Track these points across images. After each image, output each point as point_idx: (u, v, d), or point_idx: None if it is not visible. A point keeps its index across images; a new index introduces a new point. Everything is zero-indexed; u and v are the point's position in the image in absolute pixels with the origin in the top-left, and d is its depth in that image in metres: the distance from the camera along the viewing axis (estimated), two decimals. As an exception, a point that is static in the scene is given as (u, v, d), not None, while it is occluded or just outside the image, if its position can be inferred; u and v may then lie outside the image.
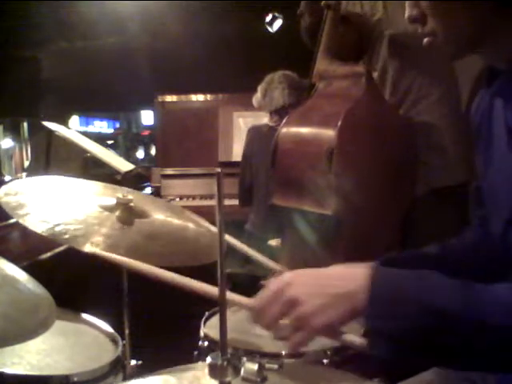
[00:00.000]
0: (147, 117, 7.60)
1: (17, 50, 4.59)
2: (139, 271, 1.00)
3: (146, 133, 7.84)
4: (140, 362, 1.37)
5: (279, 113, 2.90)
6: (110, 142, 6.86)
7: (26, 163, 4.49)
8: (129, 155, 7.39)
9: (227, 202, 3.09)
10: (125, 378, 1.21)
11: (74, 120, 6.81)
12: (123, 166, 2.22)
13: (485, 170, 1.04)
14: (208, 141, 3.93)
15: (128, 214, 1.24)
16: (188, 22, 4.49)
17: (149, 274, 0.99)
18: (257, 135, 3.13)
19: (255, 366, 0.76)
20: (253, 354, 1.06)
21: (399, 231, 1.96)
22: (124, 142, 8.04)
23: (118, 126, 8.38)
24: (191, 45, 4.52)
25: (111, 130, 8.25)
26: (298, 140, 1.91)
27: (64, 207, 1.21)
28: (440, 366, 1.06)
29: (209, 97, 4.14)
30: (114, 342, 1.28)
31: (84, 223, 1.16)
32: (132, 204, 1.25)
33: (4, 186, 1.21)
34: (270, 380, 0.79)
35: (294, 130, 1.94)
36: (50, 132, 2.83)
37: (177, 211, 1.42)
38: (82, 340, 1.30)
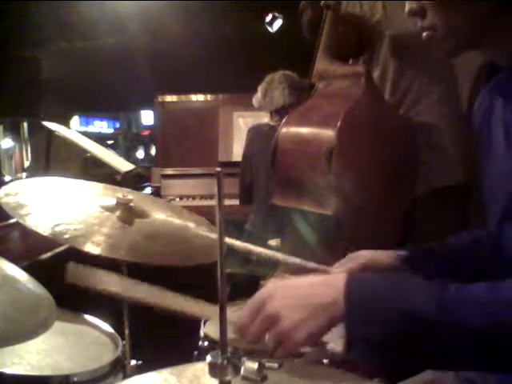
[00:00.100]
0: (147, 117, 7.60)
1: (17, 50, 4.59)
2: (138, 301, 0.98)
3: (146, 133, 7.84)
4: (140, 362, 1.37)
5: (279, 113, 2.90)
6: (110, 142, 6.87)
7: (26, 163, 4.50)
8: (129, 155, 7.39)
9: (227, 202, 3.09)
10: (125, 378, 1.21)
11: (74, 120, 6.81)
12: (123, 165, 2.22)
13: (485, 169, 1.04)
14: (208, 141, 3.93)
15: (128, 214, 1.24)
16: (188, 22, 4.49)
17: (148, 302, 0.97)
18: (257, 134, 3.13)
19: (255, 365, 0.76)
20: (253, 353, 1.06)
21: (399, 231, 1.96)
22: (124, 142, 8.04)
23: (118, 126, 8.38)
24: (191, 45, 4.52)
25: (111, 130, 8.25)
26: (297, 140, 1.91)
27: (64, 207, 1.21)
28: (429, 369, 1.06)
29: (209, 97, 4.15)
30: (114, 342, 1.28)
31: (84, 223, 1.16)
32: (132, 204, 1.25)
33: (4, 187, 1.21)
34: (270, 379, 0.79)
35: (294, 130, 1.94)
36: (50, 132, 2.83)
37: (177, 211, 1.42)
38: (82, 340, 1.30)
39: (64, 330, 1.30)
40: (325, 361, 1.16)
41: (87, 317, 1.39)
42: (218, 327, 0.76)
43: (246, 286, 2.41)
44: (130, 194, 1.27)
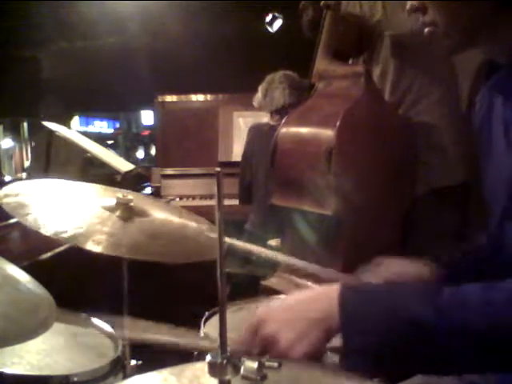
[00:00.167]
0: (147, 117, 7.62)
1: (17, 50, 4.60)
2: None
3: (146, 133, 7.85)
4: (140, 362, 1.37)
5: (280, 113, 2.90)
6: (110, 142, 6.88)
7: (26, 163, 4.51)
8: (129, 155, 7.41)
9: (227, 202, 3.09)
10: (125, 378, 1.21)
11: (74, 120, 6.82)
12: (123, 165, 2.23)
13: (485, 167, 1.04)
14: (208, 141, 3.93)
15: (128, 214, 1.24)
16: (188, 22, 4.50)
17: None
18: (258, 134, 3.13)
19: (255, 365, 0.76)
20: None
21: (399, 231, 1.96)
22: (124, 142, 8.06)
23: (118, 126, 8.40)
24: (191, 45, 4.52)
25: (111, 130, 8.27)
26: (297, 140, 1.91)
27: (65, 207, 1.21)
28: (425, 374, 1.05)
29: (209, 97, 4.14)
30: (114, 342, 1.28)
31: (85, 222, 1.17)
32: (132, 204, 1.26)
33: (5, 188, 1.21)
34: (270, 378, 0.79)
35: (294, 129, 1.94)
36: (50, 132, 2.84)
37: (175, 211, 1.42)
38: (82, 340, 1.30)
39: (64, 330, 1.30)
40: (325, 361, 1.16)
41: (87, 317, 1.38)
42: (217, 327, 0.76)
43: (245, 286, 2.41)
44: (129, 195, 1.27)
